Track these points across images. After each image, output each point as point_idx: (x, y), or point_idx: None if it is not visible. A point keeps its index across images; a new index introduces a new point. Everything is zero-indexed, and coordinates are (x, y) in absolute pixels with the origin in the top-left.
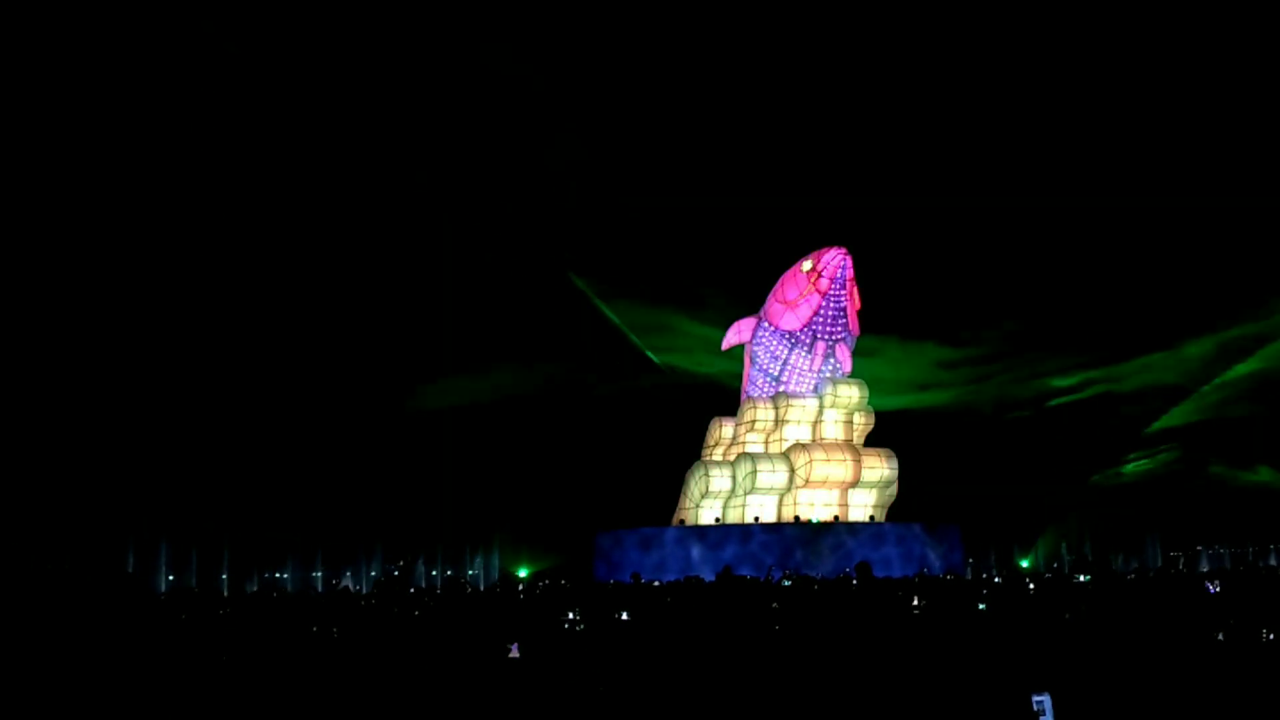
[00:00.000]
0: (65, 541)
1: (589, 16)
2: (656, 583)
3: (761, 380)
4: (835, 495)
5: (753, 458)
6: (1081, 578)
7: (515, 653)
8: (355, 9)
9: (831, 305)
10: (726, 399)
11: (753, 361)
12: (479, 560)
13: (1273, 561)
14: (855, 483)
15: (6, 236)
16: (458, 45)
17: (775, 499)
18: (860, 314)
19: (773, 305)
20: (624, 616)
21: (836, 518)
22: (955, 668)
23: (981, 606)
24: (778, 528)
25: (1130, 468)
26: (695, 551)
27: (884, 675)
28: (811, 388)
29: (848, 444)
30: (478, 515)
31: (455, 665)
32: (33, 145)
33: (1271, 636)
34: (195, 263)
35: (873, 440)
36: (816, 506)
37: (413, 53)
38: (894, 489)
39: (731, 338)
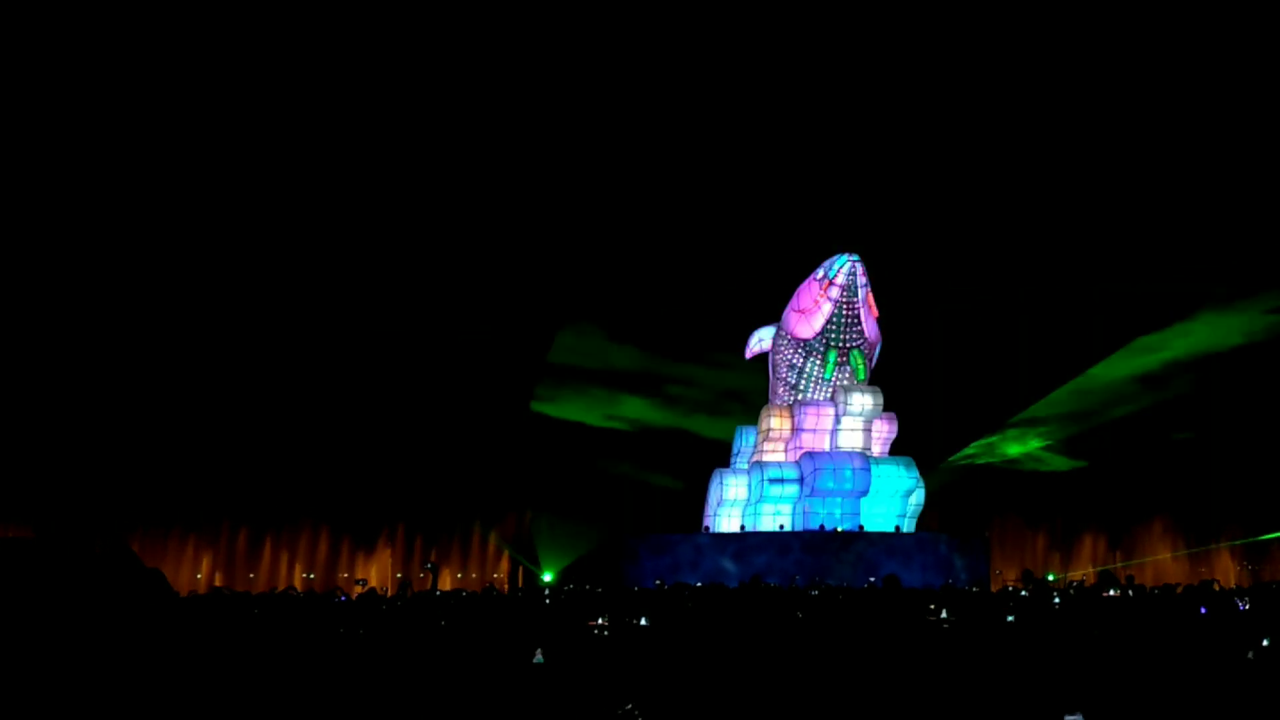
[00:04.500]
0: (98, 534)
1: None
2: (696, 584)
3: (781, 389)
4: (850, 504)
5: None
6: (1111, 592)
7: (539, 658)
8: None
9: (844, 312)
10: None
11: (773, 370)
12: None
13: None
14: (866, 491)
15: (12, 236)
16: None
17: (790, 507)
18: (880, 320)
19: (789, 314)
20: (643, 622)
21: (862, 527)
22: (984, 687)
23: (1010, 619)
24: (801, 535)
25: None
26: (720, 557)
27: (911, 693)
28: (828, 395)
29: (861, 453)
30: (506, 519)
31: (479, 670)
32: (39, 145)
33: None
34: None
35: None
36: (832, 515)
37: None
38: (917, 498)
39: (754, 346)
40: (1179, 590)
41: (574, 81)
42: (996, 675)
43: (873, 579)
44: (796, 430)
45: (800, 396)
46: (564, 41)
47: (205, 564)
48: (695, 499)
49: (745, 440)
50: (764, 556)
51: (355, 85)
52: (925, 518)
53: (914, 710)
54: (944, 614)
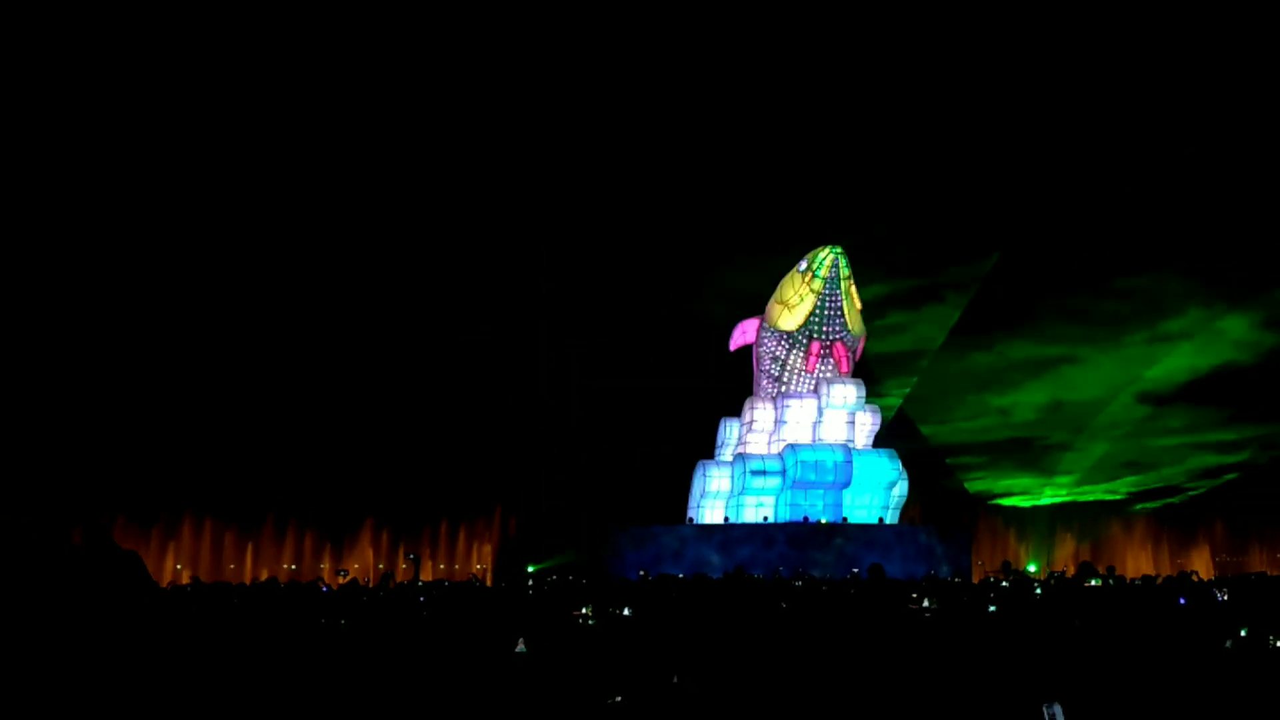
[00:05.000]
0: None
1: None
2: (680, 575)
3: (764, 381)
4: (831, 496)
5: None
6: (1092, 582)
7: (521, 648)
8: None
9: (827, 305)
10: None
11: (757, 363)
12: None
13: None
14: (848, 483)
15: (27, 237)
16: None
17: (773, 499)
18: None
19: (772, 306)
20: (626, 612)
21: (845, 519)
22: (965, 676)
23: (992, 609)
24: (785, 528)
25: None
26: (704, 548)
27: (893, 682)
28: (811, 388)
29: (844, 445)
30: (488, 510)
31: (461, 660)
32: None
33: (1279, 645)
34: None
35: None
36: (814, 507)
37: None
38: (900, 489)
39: (737, 339)
40: (1159, 581)
41: (570, 82)
42: (976, 664)
43: (855, 570)
44: (779, 422)
45: (783, 389)
46: (561, 41)
47: (185, 557)
48: (679, 490)
49: (728, 432)
50: (748, 548)
51: (355, 85)
52: (908, 509)
53: (895, 697)
54: (926, 603)
